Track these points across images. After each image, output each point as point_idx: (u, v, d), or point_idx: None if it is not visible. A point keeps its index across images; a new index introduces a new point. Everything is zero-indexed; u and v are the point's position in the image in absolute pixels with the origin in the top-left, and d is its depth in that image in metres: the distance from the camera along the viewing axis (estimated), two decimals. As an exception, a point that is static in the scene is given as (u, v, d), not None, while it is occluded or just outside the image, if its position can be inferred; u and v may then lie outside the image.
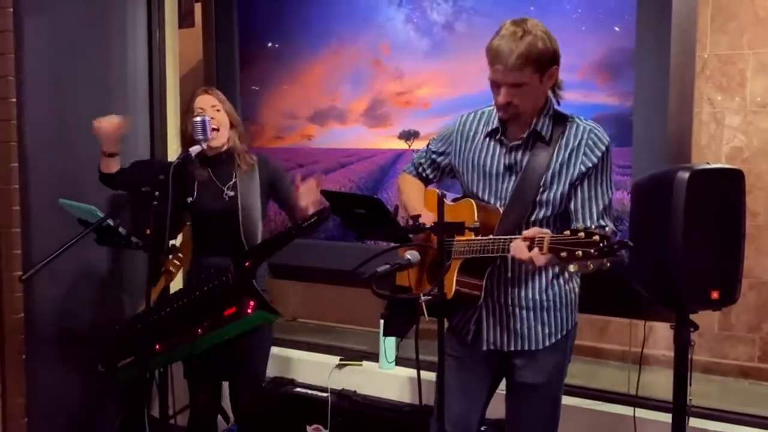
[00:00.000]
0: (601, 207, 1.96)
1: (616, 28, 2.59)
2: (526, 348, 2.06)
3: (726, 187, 2.06)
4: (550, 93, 2.00)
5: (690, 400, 2.13)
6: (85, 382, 3.24)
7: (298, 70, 3.32)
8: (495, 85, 1.94)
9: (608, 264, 1.65)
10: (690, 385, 2.12)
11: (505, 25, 1.90)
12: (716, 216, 2.05)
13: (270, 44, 3.40)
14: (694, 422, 2.30)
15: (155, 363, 2.55)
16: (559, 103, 2.03)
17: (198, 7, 3.73)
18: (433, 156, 2.23)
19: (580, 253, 1.65)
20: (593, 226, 1.87)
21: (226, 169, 2.65)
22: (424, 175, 2.26)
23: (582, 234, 1.65)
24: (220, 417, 2.99)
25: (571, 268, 1.68)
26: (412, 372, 3.08)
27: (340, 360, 3.26)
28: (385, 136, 3.15)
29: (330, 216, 2.35)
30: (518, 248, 1.79)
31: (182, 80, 3.70)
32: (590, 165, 1.95)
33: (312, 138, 3.33)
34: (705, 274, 2.03)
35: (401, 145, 3.11)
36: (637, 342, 3.05)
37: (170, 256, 2.95)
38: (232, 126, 2.67)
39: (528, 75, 1.88)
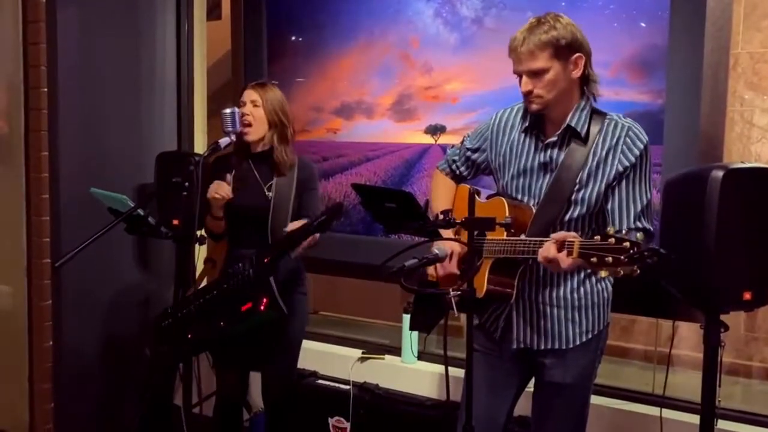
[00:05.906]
0: (639, 208, 1.93)
1: (649, 25, 2.56)
2: (557, 347, 2.04)
3: (761, 186, 2.03)
4: (586, 89, 1.97)
5: (719, 401, 2.12)
6: (109, 369, 3.27)
7: (326, 63, 3.32)
8: (518, 77, 1.94)
9: (638, 271, 1.63)
10: (719, 386, 2.10)
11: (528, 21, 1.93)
12: (750, 216, 2.02)
13: (298, 37, 3.40)
14: (722, 424, 2.27)
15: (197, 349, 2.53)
16: (595, 99, 2.00)
17: (226, -1, 3.75)
18: (468, 153, 2.20)
19: (610, 259, 1.63)
20: (627, 229, 1.85)
21: (269, 168, 2.63)
22: (457, 172, 2.24)
23: (612, 240, 1.63)
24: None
25: (602, 273, 1.66)
26: (435, 366, 3.09)
27: (363, 353, 3.26)
28: (411, 130, 3.14)
29: (342, 214, 2.32)
30: (547, 251, 1.77)
31: (209, 72, 3.72)
32: (628, 164, 1.92)
33: (338, 132, 3.33)
34: (737, 274, 2.01)
35: (428, 139, 3.09)
36: (661, 341, 3.02)
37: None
38: (271, 125, 2.62)
39: (543, 61, 1.87)
